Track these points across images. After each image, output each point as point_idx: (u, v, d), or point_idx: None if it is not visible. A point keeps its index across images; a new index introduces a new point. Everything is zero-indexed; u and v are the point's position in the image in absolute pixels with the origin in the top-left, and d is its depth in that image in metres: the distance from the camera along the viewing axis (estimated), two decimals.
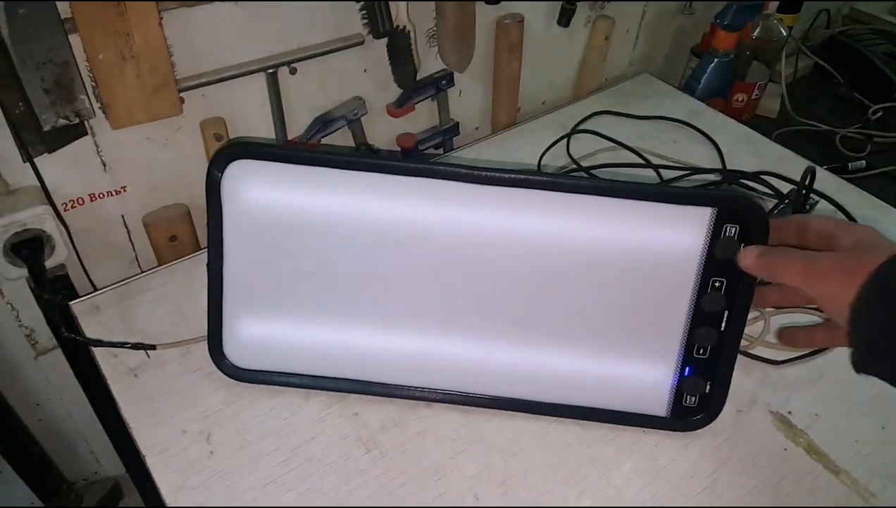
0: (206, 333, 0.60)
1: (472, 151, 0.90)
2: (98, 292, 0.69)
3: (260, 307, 0.60)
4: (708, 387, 0.59)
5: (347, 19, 0.74)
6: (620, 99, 1.00)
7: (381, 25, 0.71)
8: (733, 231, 0.54)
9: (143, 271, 0.72)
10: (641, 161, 0.86)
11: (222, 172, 0.55)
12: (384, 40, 0.75)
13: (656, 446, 0.59)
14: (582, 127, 0.93)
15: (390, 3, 0.72)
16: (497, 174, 0.55)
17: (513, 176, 0.54)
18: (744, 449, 0.60)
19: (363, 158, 0.55)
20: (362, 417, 0.60)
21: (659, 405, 0.60)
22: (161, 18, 0.61)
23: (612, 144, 0.90)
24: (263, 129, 0.76)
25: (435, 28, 0.78)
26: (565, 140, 0.90)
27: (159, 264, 0.74)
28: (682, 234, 0.55)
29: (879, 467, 0.59)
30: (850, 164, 1.04)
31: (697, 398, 0.59)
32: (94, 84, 0.62)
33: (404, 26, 0.73)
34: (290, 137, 0.76)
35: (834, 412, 0.63)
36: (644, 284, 0.57)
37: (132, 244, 0.75)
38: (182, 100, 0.67)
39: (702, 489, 0.56)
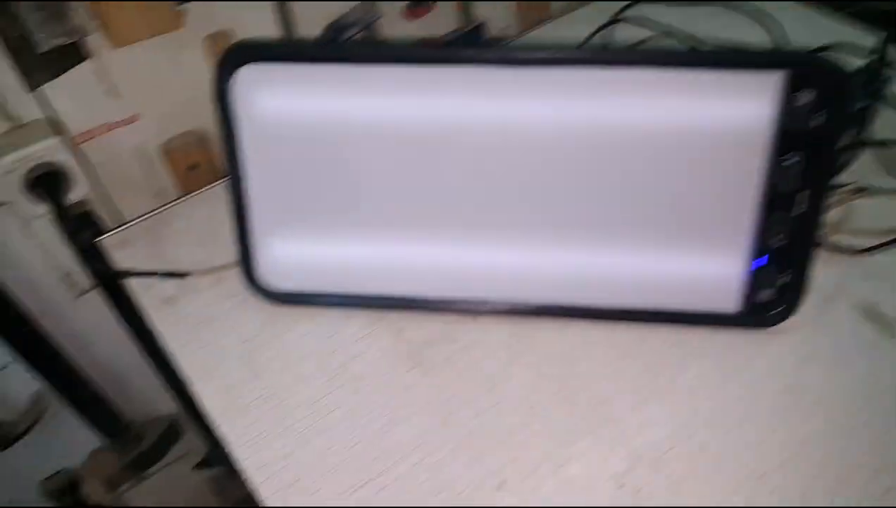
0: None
1: None
2: (125, 226, 0.67)
3: (291, 225, 0.56)
4: (785, 278, 0.53)
5: None
6: None
7: None
8: (809, 98, 0.47)
9: (169, 202, 0.69)
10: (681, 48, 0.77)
11: (230, 80, 0.51)
12: None
13: (727, 345, 0.54)
14: (624, 15, 0.84)
15: None
16: (534, 55, 0.49)
17: (552, 55, 0.49)
18: (827, 345, 0.54)
19: (389, 48, 0.50)
20: (406, 333, 0.56)
21: (730, 301, 0.54)
22: None
23: (660, 33, 0.81)
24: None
25: None
26: (607, 29, 0.81)
27: (184, 194, 0.70)
28: (749, 104, 0.48)
29: None
30: None
31: (774, 290, 0.53)
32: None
33: None
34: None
35: None
36: (708, 165, 0.50)
37: (153, 175, 0.71)
38: (182, 13, 0.62)
39: (783, 386, 0.51)
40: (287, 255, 0.57)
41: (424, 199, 0.54)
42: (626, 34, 0.82)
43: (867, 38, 0.81)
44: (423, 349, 0.55)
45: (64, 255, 0.71)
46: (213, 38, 0.66)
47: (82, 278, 0.74)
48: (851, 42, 0.77)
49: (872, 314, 0.56)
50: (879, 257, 0.59)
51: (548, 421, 0.50)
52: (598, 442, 0.49)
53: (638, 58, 0.49)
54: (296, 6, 0.69)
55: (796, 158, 0.49)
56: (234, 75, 0.51)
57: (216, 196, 0.68)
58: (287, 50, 0.51)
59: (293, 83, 0.51)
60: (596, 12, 0.87)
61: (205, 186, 0.70)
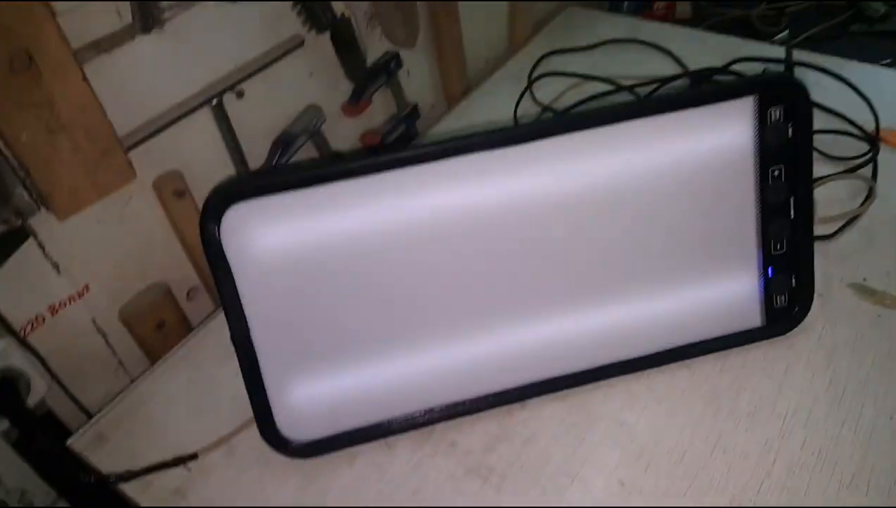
0: (249, 417, 0.51)
1: (440, 129, 0.84)
2: (95, 419, 0.58)
3: (305, 364, 0.52)
4: (794, 281, 0.55)
5: (280, 23, 0.65)
6: (559, 37, 0.97)
7: (324, 17, 0.63)
8: (779, 113, 0.51)
9: (140, 375, 0.62)
10: (612, 88, 0.82)
11: (219, 224, 0.47)
12: (324, 38, 0.67)
13: (765, 358, 0.56)
14: (538, 73, 0.88)
15: None
16: (515, 132, 0.49)
17: (532, 129, 0.49)
18: (844, 330, 0.57)
19: (374, 158, 0.48)
20: (460, 445, 0.53)
21: (754, 316, 0.56)
22: (83, 73, 0.51)
23: (576, 81, 0.85)
24: (222, 169, 0.66)
25: (373, 8, 0.70)
26: (529, 91, 0.85)
27: (153, 361, 0.63)
28: (731, 131, 0.51)
29: None
30: (776, 39, 1.05)
31: (786, 295, 0.56)
32: (24, 173, 0.51)
33: (343, 13, 0.65)
34: (252, 169, 0.67)
35: None
36: (704, 196, 0.52)
37: (112, 349, 0.63)
38: (129, 164, 0.57)
39: (827, 384, 0.53)
40: (307, 399, 0.52)
41: (434, 300, 0.52)
42: (544, 92, 0.85)
43: (746, 46, 0.90)
44: (485, 458, 0.52)
45: (17, 474, 0.60)
46: (162, 180, 0.61)
47: (42, 494, 0.63)
48: (737, 52, 0.85)
49: (865, 291, 0.60)
50: (844, 238, 0.65)
51: (644, 491, 0.49)
52: (702, 492, 0.48)
53: (615, 113, 0.50)
54: (240, 129, 0.66)
55: (780, 169, 0.52)
56: (221, 220, 0.47)
57: (192, 352, 0.62)
58: (271, 181, 0.48)
59: (279, 214, 0.48)
60: (513, 71, 0.91)
61: (177, 344, 0.63)
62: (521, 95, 0.84)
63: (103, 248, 0.60)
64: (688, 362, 0.56)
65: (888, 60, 0.97)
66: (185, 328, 0.67)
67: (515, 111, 0.82)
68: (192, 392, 0.59)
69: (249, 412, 0.51)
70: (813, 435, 0.50)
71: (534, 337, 0.54)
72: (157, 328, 0.63)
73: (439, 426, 0.54)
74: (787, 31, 1.06)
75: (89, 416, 0.60)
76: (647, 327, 0.55)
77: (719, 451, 0.50)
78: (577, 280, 0.53)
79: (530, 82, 0.86)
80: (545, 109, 0.82)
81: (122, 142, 0.56)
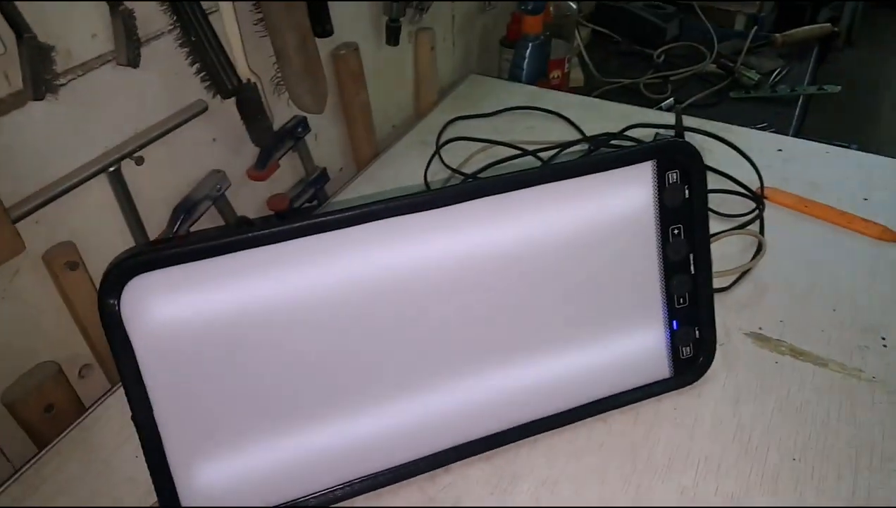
0: (151, 500, 0.48)
1: (350, 192, 0.84)
2: None
3: (213, 441, 0.49)
4: (697, 332, 0.58)
5: (182, 88, 0.64)
6: (462, 103, 1.00)
7: (229, 82, 0.62)
8: (675, 176, 0.54)
9: (24, 464, 0.56)
10: (518, 152, 0.85)
11: (119, 298, 0.44)
12: (229, 103, 0.66)
13: (675, 408, 0.58)
14: (445, 137, 0.91)
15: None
16: (428, 197, 0.49)
17: (442, 194, 0.49)
18: (746, 378, 0.60)
19: (282, 225, 0.47)
20: None
21: (662, 368, 0.58)
22: None
23: (482, 146, 0.88)
24: (119, 238, 0.63)
25: (279, 74, 0.70)
26: (437, 155, 0.87)
27: (41, 447, 0.58)
28: (632, 194, 0.54)
29: (849, 342, 0.62)
30: (662, 105, 1.13)
31: (691, 346, 0.58)
32: None
33: (248, 78, 0.65)
34: (151, 238, 0.64)
35: (791, 312, 0.66)
36: (609, 256, 0.54)
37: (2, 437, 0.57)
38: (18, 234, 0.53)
39: (734, 430, 0.55)
40: (216, 478, 0.49)
41: (345, 369, 0.50)
42: (451, 156, 0.87)
43: (636, 113, 0.96)
44: None
45: None
46: (54, 252, 0.57)
47: None
48: (630, 119, 0.90)
49: (762, 339, 0.63)
50: (739, 290, 0.68)
51: None
52: None
53: (523, 179, 0.51)
54: (139, 196, 0.63)
55: (679, 228, 0.55)
56: (121, 293, 0.44)
57: (85, 434, 0.58)
58: (170, 254, 0.45)
59: (182, 286, 0.46)
60: (420, 135, 0.93)
61: (69, 426, 0.58)
62: (431, 159, 0.86)
63: None
64: (604, 415, 0.57)
65: (763, 124, 1.06)
66: (78, 408, 0.62)
67: (426, 175, 0.84)
68: (85, 478, 0.54)
69: (151, 495, 0.47)
70: (724, 481, 0.52)
71: (452, 401, 0.53)
72: (44, 411, 0.58)
73: (360, 499, 0.52)
74: (671, 99, 1.14)
75: None
76: (563, 384, 0.56)
77: (639, 502, 0.51)
78: (492, 343, 0.53)
79: (438, 147, 0.88)
80: (454, 172, 0.83)
81: (10, 212, 0.52)
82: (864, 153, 0.88)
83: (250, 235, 0.46)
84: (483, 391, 0.54)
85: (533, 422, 0.55)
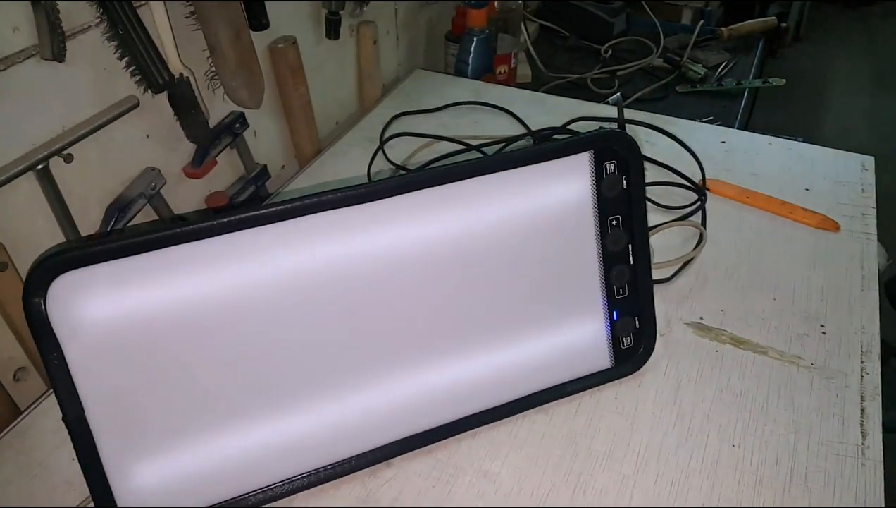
0: (86, 501, 0.47)
1: (292, 188, 0.82)
2: None
3: (148, 440, 0.47)
4: (637, 322, 0.58)
5: (113, 83, 0.62)
6: (407, 98, 0.99)
7: (160, 77, 0.60)
8: (613, 166, 0.54)
9: None
10: (461, 147, 0.85)
11: (45, 297, 0.43)
12: (162, 97, 0.64)
13: (616, 398, 0.58)
14: (389, 133, 0.90)
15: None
16: (365, 189, 0.48)
17: (379, 186, 0.49)
18: (686, 366, 0.61)
19: (214, 220, 0.46)
20: None
21: (603, 358, 0.59)
22: None
23: (426, 141, 0.88)
24: (49, 237, 0.61)
25: (213, 68, 0.68)
26: (381, 150, 0.86)
27: None
28: (570, 185, 0.54)
29: (789, 330, 0.63)
30: (609, 99, 1.14)
31: (631, 336, 0.59)
32: None
33: (181, 73, 0.63)
34: (84, 237, 0.62)
35: (732, 301, 0.67)
36: (548, 248, 0.54)
37: None
38: None
39: (675, 418, 0.56)
40: (152, 477, 0.47)
41: (282, 364, 0.49)
42: (396, 151, 0.87)
43: (581, 106, 0.96)
44: None
45: None
46: None
47: None
48: (575, 112, 0.91)
49: (702, 328, 0.64)
50: (680, 281, 0.69)
51: None
52: None
53: (460, 171, 0.51)
54: (70, 195, 0.61)
55: (618, 219, 0.55)
56: (46, 292, 0.42)
57: (20, 438, 0.56)
58: (97, 250, 0.44)
59: (111, 283, 0.44)
60: (364, 131, 0.92)
61: (1, 431, 0.56)
62: (374, 155, 0.85)
63: None
64: (545, 406, 0.57)
65: (710, 118, 1.08)
66: (13, 412, 0.60)
67: (369, 170, 0.83)
68: (20, 482, 0.53)
69: (88, 498, 0.46)
70: (665, 468, 0.52)
71: (392, 395, 0.53)
72: None
73: (300, 496, 0.51)
74: (618, 93, 1.15)
75: None
76: (503, 376, 0.56)
77: (580, 491, 0.51)
78: (430, 335, 0.53)
79: (382, 142, 0.87)
80: (398, 167, 0.83)
81: None
82: (807, 144, 0.89)
83: (179, 230, 0.45)
84: (423, 384, 0.53)
85: (474, 415, 0.55)
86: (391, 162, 0.84)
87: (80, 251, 0.43)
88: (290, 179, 0.86)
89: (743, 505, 0.50)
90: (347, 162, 0.87)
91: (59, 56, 0.56)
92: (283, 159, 0.90)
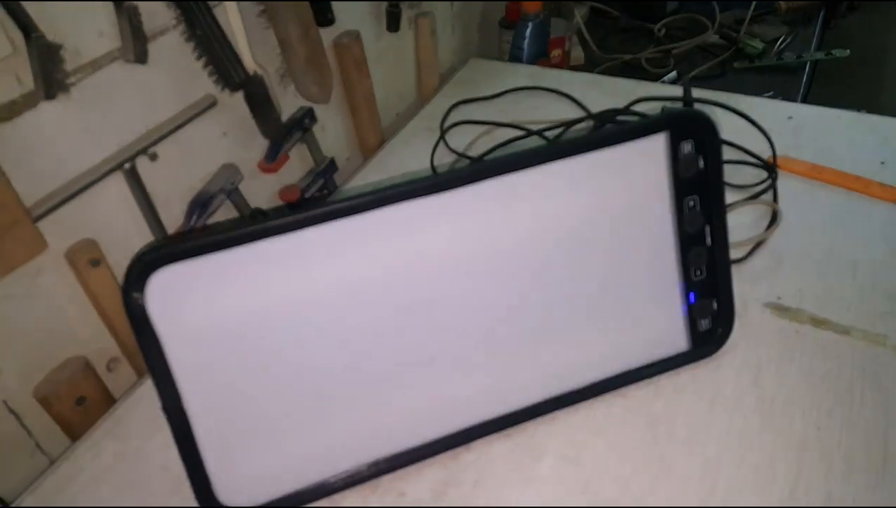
0: (184, 486, 0.48)
1: (359, 181, 0.84)
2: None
3: (243, 428, 0.49)
4: (715, 304, 0.58)
5: (191, 83, 0.64)
6: (465, 88, 1.00)
7: (236, 76, 0.62)
8: (689, 147, 0.53)
9: (59, 455, 0.57)
10: (522, 133, 0.85)
11: (144, 291, 0.45)
12: (237, 97, 0.66)
13: (694, 381, 0.57)
14: (449, 122, 0.91)
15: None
16: (440, 179, 0.49)
17: (454, 176, 0.49)
18: (766, 348, 0.60)
19: (306, 212, 0.47)
20: (409, 494, 0.52)
21: (680, 341, 0.58)
22: None
23: (486, 128, 0.88)
24: (137, 233, 0.63)
25: (284, 65, 0.70)
26: (442, 140, 0.87)
27: (74, 439, 0.59)
28: (646, 167, 0.53)
29: (871, 310, 0.62)
30: (665, 79, 1.12)
31: (709, 318, 0.58)
32: None
33: (255, 71, 0.65)
34: (170, 233, 0.65)
35: (810, 281, 0.65)
36: (624, 231, 0.54)
37: (28, 431, 0.58)
38: (40, 234, 0.53)
39: (755, 402, 0.55)
40: (247, 463, 0.49)
41: (371, 352, 0.51)
42: (456, 140, 0.87)
43: (641, 86, 0.95)
44: (435, 504, 0.51)
45: None
46: (76, 249, 0.58)
47: None
48: (635, 94, 0.90)
49: (781, 309, 0.63)
50: (755, 261, 0.68)
51: None
52: None
53: (533, 157, 0.51)
54: (155, 193, 0.63)
55: (695, 200, 0.55)
56: (145, 286, 0.44)
57: (117, 425, 0.58)
58: (191, 246, 0.46)
59: (208, 278, 0.46)
60: (425, 122, 0.92)
61: (98, 419, 0.59)
62: (436, 144, 0.86)
63: (13, 325, 0.56)
64: (623, 390, 0.57)
65: (771, 93, 1.05)
66: (108, 401, 0.62)
67: (432, 160, 0.84)
68: (118, 468, 0.55)
69: (183, 482, 0.48)
70: (748, 453, 0.52)
71: (473, 380, 0.53)
72: (76, 404, 0.59)
73: (385, 478, 0.52)
74: (675, 72, 1.13)
75: (6, 506, 0.55)
76: (581, 360, 0.56)
77: (662, 476, 0.51)
78: (510, 323, 0.53)
79: (443, 132, 0.88)
80: (460, 156, 0.83)
81: (30, 212, 0.53)
82: (879, 116, 0.86)
83: (268, 224, 0.46)
84: (504, 370, 0.54)
85: (553, 398, 0.55)
86: (453, 151, 0.85)
87: (175, 247, 0.45)
88: (356, 172, 0.87)
89: (745, 506, 0.49)
90: (410, 152, 0.88)
91: (141, 58, 0.58)
92: (349, 151, 0.91)
